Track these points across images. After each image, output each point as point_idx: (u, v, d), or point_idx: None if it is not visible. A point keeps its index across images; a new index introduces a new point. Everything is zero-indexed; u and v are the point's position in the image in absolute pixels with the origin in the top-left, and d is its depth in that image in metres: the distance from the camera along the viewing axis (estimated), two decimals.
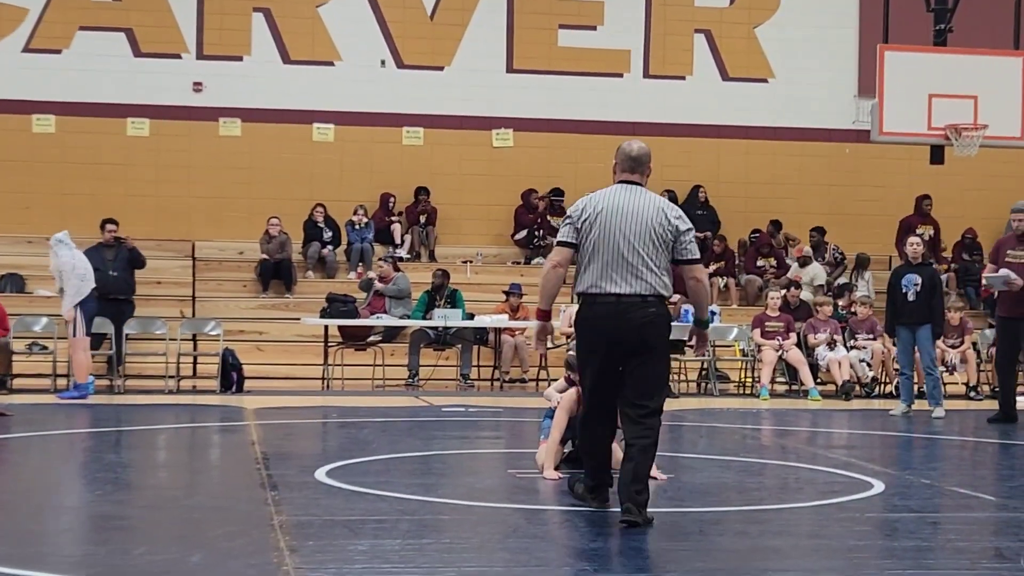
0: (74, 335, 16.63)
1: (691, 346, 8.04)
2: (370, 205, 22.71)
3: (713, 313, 20.32)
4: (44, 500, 8.63)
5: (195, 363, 19.29)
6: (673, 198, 23.56)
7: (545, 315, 7.78)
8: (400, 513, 7.80)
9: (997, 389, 15.85)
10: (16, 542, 6.84)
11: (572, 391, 9.34)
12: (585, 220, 7.55)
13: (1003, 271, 14.67)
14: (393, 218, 22.90)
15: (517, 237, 23.26)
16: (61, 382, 17.48)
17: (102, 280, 17.67)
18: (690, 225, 7.65)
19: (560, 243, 7.66)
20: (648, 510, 7.35)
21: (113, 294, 18.17)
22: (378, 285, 20.22)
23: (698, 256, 7.66)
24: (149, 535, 7.19)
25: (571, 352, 9.85)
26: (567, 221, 7.67)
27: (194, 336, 19.30)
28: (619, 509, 7.34)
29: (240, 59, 22.84)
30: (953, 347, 19.03)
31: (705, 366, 19.42)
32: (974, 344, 19.45)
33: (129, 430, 13.29)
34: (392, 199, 22.91)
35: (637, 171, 7.71)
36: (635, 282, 7.46)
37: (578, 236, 7.57)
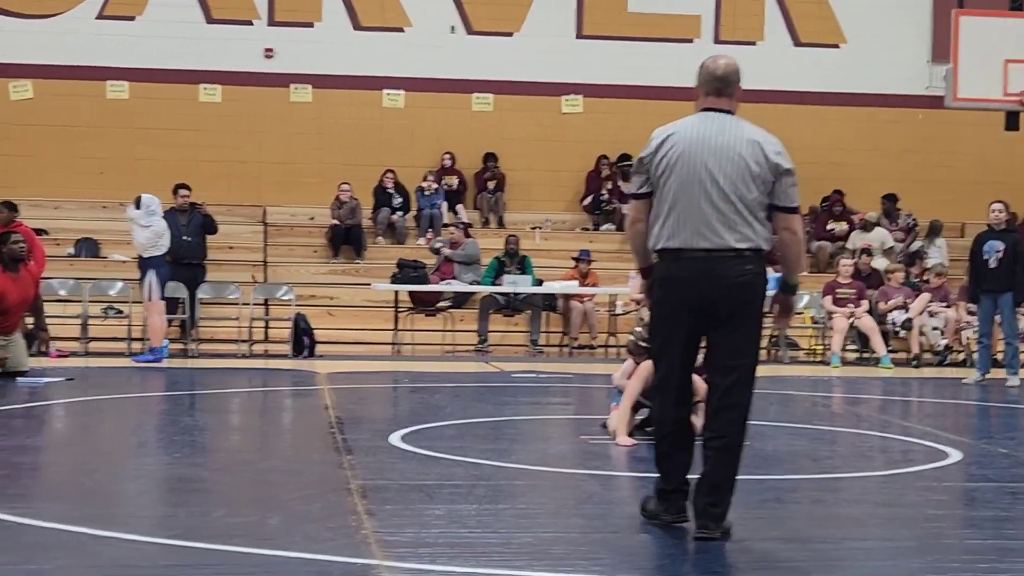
0: (149, 299, 16.78)
1: (769, 315, 6.53)
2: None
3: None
4: (123, 462, 8.76)
5: (267, 328, 19.45)
6: None
7: (646, 272, 6.48)
8: (475, 478, 7.83)
9: None
10: (98, 503, 6.94)
11: (650, 362, 9.31)
12: (661, 160, 6.24)
13: None
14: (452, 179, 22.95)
15: (585, 203, 23.22)
16: (136, 346, 17.66)
17: (175, 245, 17.83)
18: (792, 164, 6.27)
19: (634, 196, 6.46)
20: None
21: (186, 259, 18.33)
22: (446, 251, 20.26)
23: (797, 204, 6.32)
24: (227, 497, 7.27)
25: (634, 334, 9.80)
26: (639, 168, 6.39)
27: (266, 301, 19.44)
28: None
29: (311, 25, 22.89)
30: None
31: (775, 333, 19.33)
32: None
33: (203, 394, 13.43)
34: (448, 155, 22.92)
35: (725, 94, 6.31)
36: (728, 234, 6.13)
37: (652, 182, 6.30)
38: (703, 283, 6.16)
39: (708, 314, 6.20)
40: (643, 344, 9.22)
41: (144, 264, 16.84)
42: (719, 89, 6.31)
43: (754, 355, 6.35)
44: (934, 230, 22.22)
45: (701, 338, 6.31)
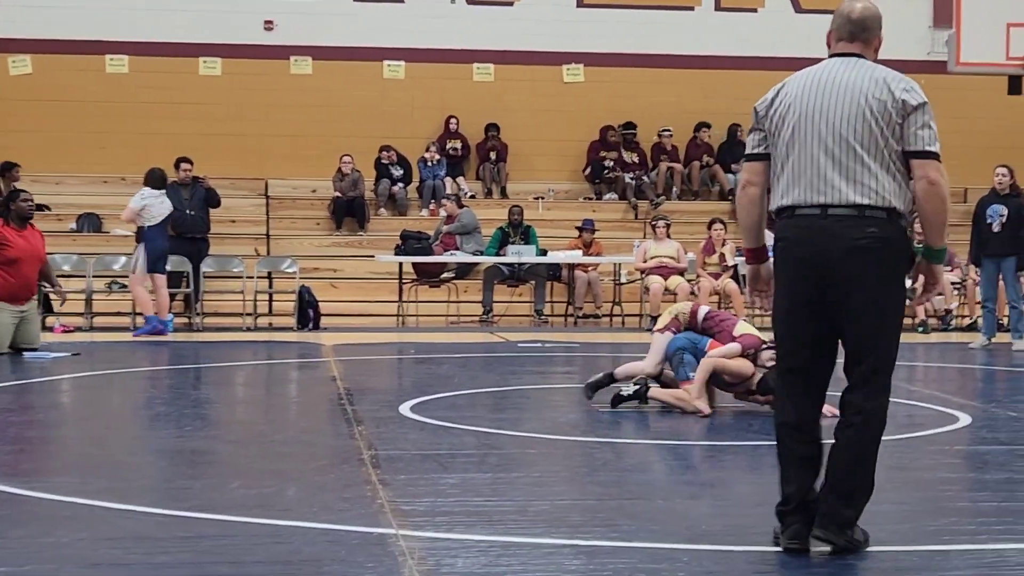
0: (133, 271, 16.81)
1: (914, 289, 5.42)
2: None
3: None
4: (135, 436, 8.78)
5: (271, 300, 19.45)
6: (737, 132, 23.46)
7: (755, 255, 5.55)
8: (488, 447, 7.84)
9: None
10: (114, 476, 6.94)
11: (737, 346, 9.36)
12: (774, 113, 5.38)
13: None
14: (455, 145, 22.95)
15: (586, 172, 23.20)
16: (140, 320, 17.66)
17: (178, 219, 17.82)
18: (924, 99, 5.26)
19: (747, 156, 5.50)
20: (735, 442, 7.20)
21: (190, 233, 18.33)
22: (444, 228, 20.22)
23: (934, 148, 5.25)
24: (242, 469, 7.28)
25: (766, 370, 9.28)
26: (753, 123, 5.48)
27: (269, 274, 19.43)
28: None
29: None
30: None
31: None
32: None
33: (210, 367, 13.44)
34: (453, 119, 22.90)
35: (859, 39, 5.44)
36: (847, 186, 5.21)
37: (767, 140, 5.42)
38: (817, 246, 5.23)
39: (827, 285, 5.23)
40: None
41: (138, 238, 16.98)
42: (853, 33, 5.44)
43: (887, 339, 5.32)
44: None
45: (826, 315, 5.29)
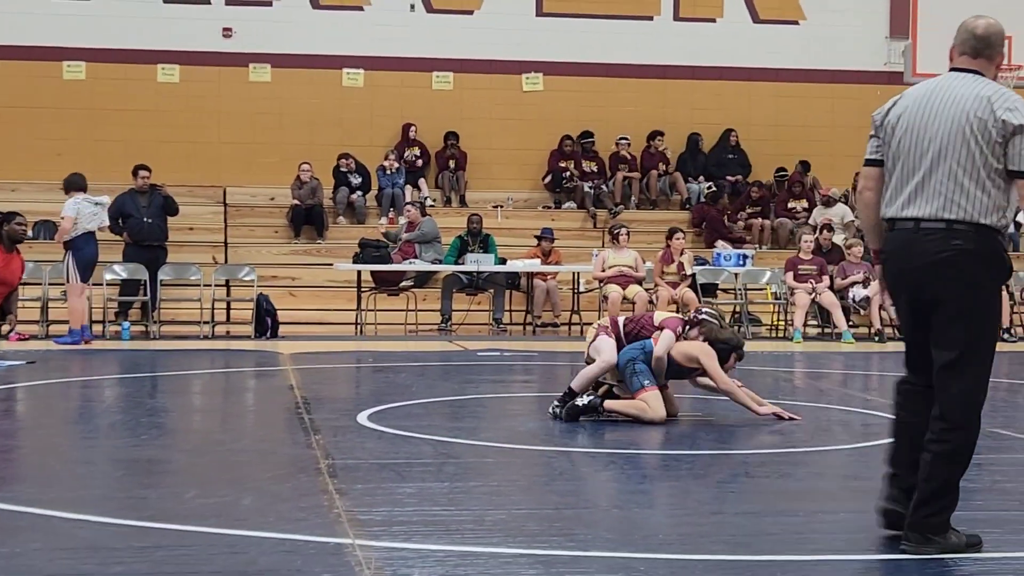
0: (67, 281, 16.63)
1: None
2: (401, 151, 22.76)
3: (745, 256, 20.30)
4: (91, 445, 8.72)
5: (229, 309, 19.36)
6: (698, 141, 23.58)
7: (878, 255, 5.76)
8: (445, 456, 7.84)
9: None
10: (69, 486, 6.91)
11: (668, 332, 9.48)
12: (887, 124, 5.59)
13: None
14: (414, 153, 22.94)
15: (546, 181, 23.25)
16: (97, 328, 17.51)
17: (136, 227, 17.72)
18: None
19: (865, 161, 5.73)
20: (692, 451, 7.28)
21: (147, 241, 18.24)
22: (403, 236, 20.21)
23: None
24: (198, 478, 7.24)
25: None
26: (872, 132, 5.70)
27: (227, 282, 19.35)
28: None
29: (269, 4, 22.80)
30: None
31: (737, 309, 19.41)
32: (1006, 286, 19.36)
33: (167, 375, 13.38)
34: (412, 127, 22.91)
35: (983, 55, 5.50)
36: (936, 200, 5.38)
37: (882, 148, 5.64)
38: (906, 258, 5.47)
39: (917, 296, 5.47)
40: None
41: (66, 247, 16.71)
42: (977, 49, 5.49)
43: (972, 352, 5.40)
44: None
45: (924, 324, 5.50)
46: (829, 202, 21.99)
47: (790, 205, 22.93)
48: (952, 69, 5.53)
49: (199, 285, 18.58)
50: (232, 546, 5.47)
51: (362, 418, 9.38)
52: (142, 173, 18.59)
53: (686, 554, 5.42)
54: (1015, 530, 6.01)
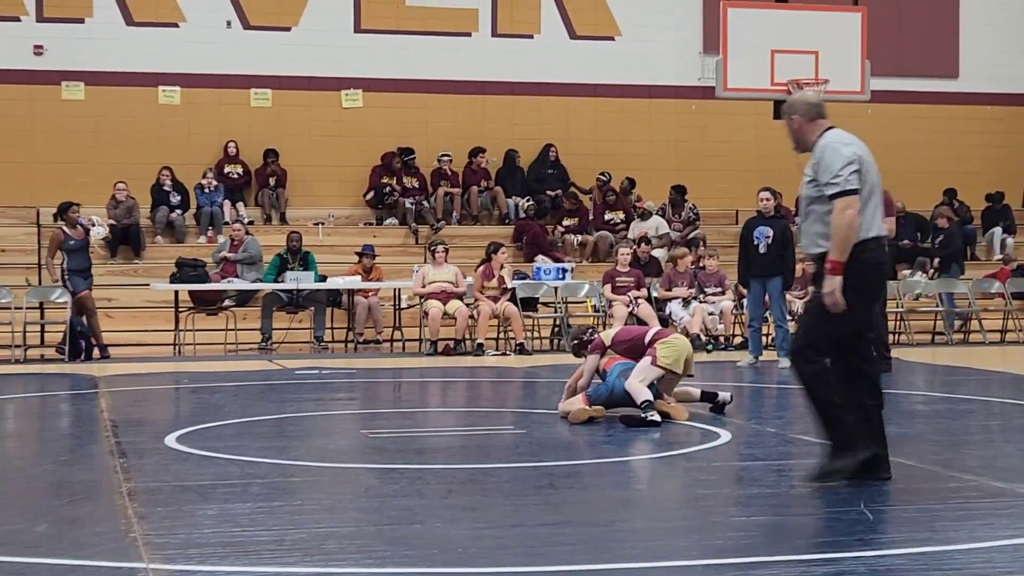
0: None
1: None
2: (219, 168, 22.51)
3: (564, 270, 20.48)
4: None
5: (42, 332, 18.94)
6: (514, 158, 23.75)
7: (843, 267, 7.21)
8: (251, 477, 7.77)
9: None
10: None
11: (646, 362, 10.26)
12: (863, 161, 7.32)
13: None
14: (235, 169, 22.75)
15: (367, 197, 23.19)
16: None
17: None
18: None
19: (856, 191, 7.24)
20: (500, 465, 7.36)
21: None
22: (227, 255, 20.01)
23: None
24: None
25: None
26: (853, 167, 7.25)
27: (41, 304, 18.93)
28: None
29: (82, 21, 22.38)
30: (801, 298, 19.34)
31: (557, 323, 19.57)
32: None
33: None
34: (233, 145, 22.71)
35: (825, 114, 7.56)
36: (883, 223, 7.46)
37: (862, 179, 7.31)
38: (886, 265, 7.64)
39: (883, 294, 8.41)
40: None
41: None
42: (822, 111, 7.55)
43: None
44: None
45: None
46: (645, 215, 22.31)
47: (607, 217, 23.19)
48: (830, 128, 7.44)
49: (11, 308, 18.14)
50: (20, 574, 5.35)
51: (170, 440, 9.25)
52: None
53: (482, 567, 5.44)
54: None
